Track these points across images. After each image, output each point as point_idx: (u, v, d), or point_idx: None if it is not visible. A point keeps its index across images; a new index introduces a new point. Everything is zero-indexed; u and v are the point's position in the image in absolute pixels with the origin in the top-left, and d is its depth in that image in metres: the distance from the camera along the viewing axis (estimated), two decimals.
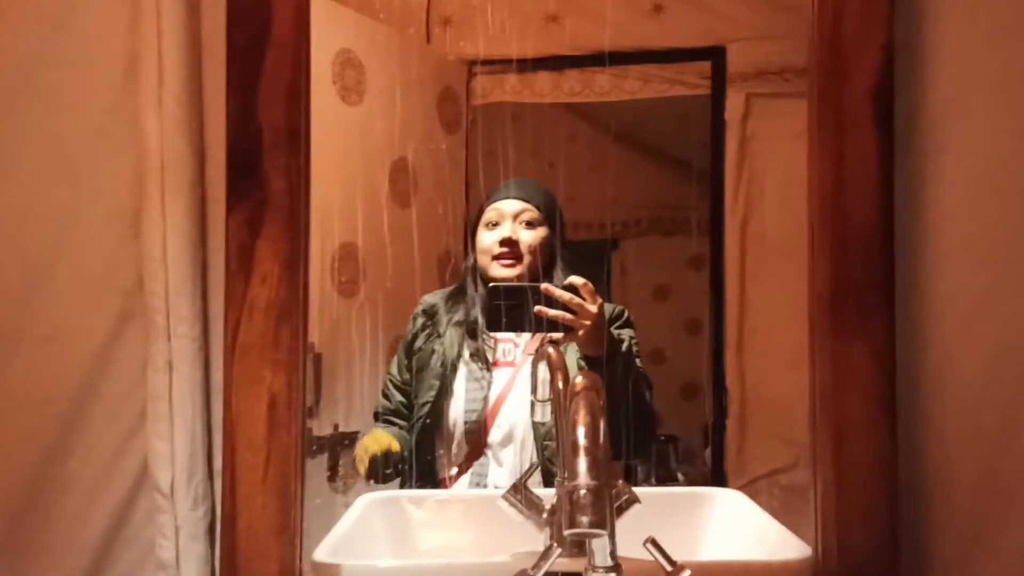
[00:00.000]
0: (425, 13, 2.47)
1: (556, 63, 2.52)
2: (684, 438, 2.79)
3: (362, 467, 1.54)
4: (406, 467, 1.51)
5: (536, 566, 0.75)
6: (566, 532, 0.67)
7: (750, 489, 1.36)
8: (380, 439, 1.54)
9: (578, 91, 2.63)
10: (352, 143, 2.11)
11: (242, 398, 0.92)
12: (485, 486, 1.49)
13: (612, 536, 0.73)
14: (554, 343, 1.37)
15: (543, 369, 1.24)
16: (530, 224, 1.58)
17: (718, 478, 2.25)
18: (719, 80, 2.42)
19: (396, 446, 1.52)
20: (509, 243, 1.56)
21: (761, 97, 2.39)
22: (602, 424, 0.72)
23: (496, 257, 1.56)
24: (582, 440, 0.70)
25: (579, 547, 0.95)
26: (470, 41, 2.45)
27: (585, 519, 0.66)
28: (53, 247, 1.02)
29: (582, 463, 0.68)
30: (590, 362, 1.39)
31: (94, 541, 1.02)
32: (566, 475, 1.00)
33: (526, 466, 1.46)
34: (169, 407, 0.99)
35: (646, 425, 1.54)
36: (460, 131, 2.48)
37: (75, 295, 1.02)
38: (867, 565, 0.93)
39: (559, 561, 0.89)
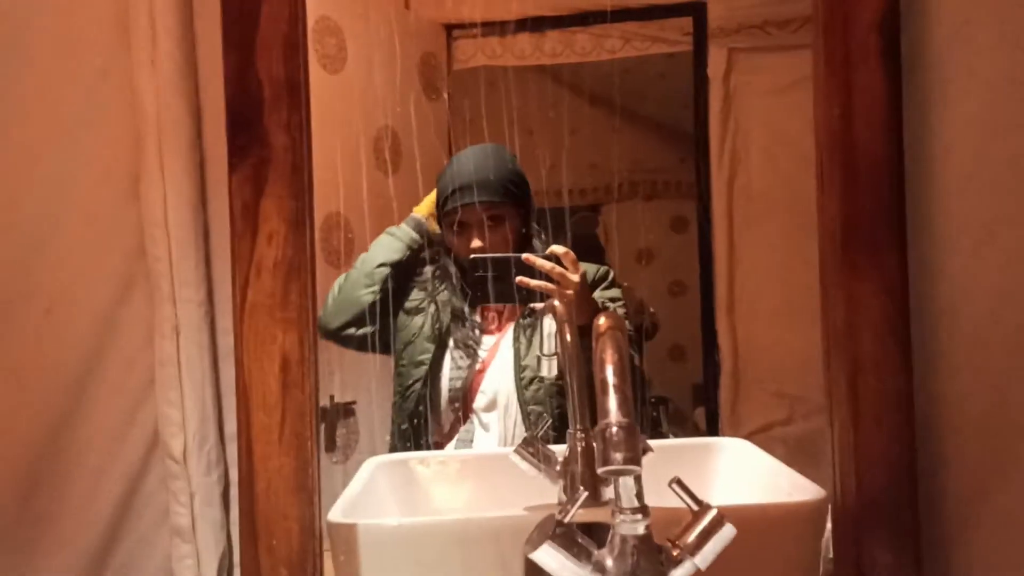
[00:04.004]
0: None
1: (536, 24, 2.50)
2: (673, 399, 2.80)
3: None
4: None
5: (563, 510, 0.74)
6: (600, 470, 0.66)
7: None
8: None
9: (559, 52, 2.61)
10: (335, 111, 2.09)
11: (254, 359, 0.91)
12: None
13: (639, 476, 0.73)
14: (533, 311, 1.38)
15: (549, 323, 1.24)
16: (498, 219, 1.55)
17: (713, 435, 2.26)
18: (700, 36, 2.41)
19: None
20: (482, 248, 1.53)
21: (743, 52, 2.38)
22: (628, 363, 0.72)
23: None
24: (611, 378, 0.69)
25: (595, 497, 0.95)
26: (448, 4, 2.43)
27: (619, 455, 0.65)
28: (49, 215, 1.00)
29: (613, 400, 0.68)
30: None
31: (108, 509, 1.01)
32: (577, 420, 1.02)
33: (510, 430, 1.48)
34: (178, 373, 0.98)
35: (636, 388, 1.53)
36: (442, 97, 2.46)
37: (75, 263, 1.00)
38: (885, 501, 0.93)
39: (578, 512, 0.89)
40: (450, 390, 1.53)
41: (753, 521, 0.94)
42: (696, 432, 2.54)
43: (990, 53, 0.96)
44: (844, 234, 0.93)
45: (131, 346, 1.01)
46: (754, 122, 2.37)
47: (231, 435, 0.98)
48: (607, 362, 0.71)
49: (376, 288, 1.55)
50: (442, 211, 1.59)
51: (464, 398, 1.53)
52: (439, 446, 1.54)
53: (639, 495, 0.74)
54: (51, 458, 1.00)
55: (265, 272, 0.90)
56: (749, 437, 1.54)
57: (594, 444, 0.68)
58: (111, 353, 1.01)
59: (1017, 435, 0.98)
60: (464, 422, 1.54)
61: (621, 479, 0.72)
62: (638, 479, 0.73)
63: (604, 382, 0.69)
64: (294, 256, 0.91)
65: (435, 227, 1.60)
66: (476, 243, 1.53)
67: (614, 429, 0.66)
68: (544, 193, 1.74)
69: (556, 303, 1.17)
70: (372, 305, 1.54)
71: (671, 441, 1.32)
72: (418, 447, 1.50)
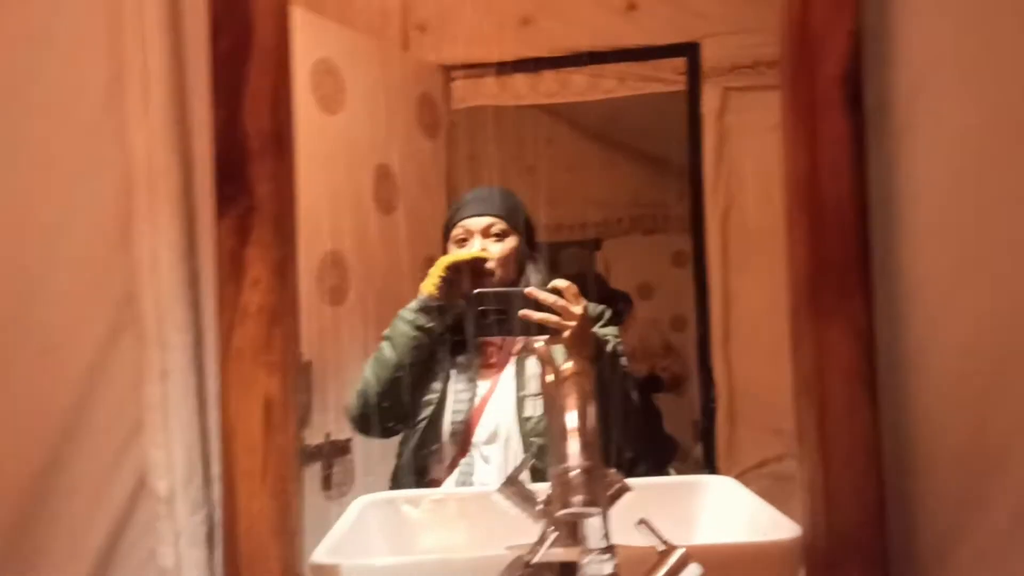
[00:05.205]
0: (401, 20, 2.49)
1: (532, 65, 2.55)
2: (676, 435, 2.81)
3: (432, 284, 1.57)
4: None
5: (532, 551, 0.76)
6: (559, 514, 0.68)
7: (742, 480, 1.38)
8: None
9: (555, 92, 2.66)
10: (333, 151, 2.13)
11: (238, 402, 0.94)
12: (471, 483, 1.52)
13: (605, 517, 0.75)
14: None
15: (533, 364, 1.27)
16: (498, 236, 1.60)
17: (710, 470, 2.27)
18: (694, 76, 2.46)
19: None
20: (480, 259, 1.58)
21: (737, 91, 2.42)
22: (591, 408, 0.74)
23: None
24: (572, 422, 0.72)
25: (573, 536, 0.97)
26: (446, 46, 2.48)
27: (578, 499, 0.68)
28: (42, 262, 1.03)
29: (573, 445, 0.70)
30: None
31: (94, 551, 1.03)
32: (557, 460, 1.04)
33: (510, 462, 1.50)
34: (165, 416, 1.00)
35: (632, 422, 1.56)
36: (440, 136, 2.50)
37: (66, 309, 1.03)
38: (856, 541, 0.95)
39: (554, 551, 0.91)
40: (452, 423, 1.56)
41: (727, 560, 0.96)
42: (698, 467, 2.56)
43: (954, 100, 0.99)
44: (812, 280, 0.96)
45: (120, 390, 1.03)
46: (748, 158, 2.41)
47: (217, 476, 1.00)
48: (568, 407, 0.73)
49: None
50: (449, 233, 1.65)
51: (465, 432, 1.56)
52: (439, 481, 1.57)
53: (606, 535, 0.76)
54: (37, 501, 1.01)
55: (250, 317, 0.93)
56: (745, 473, 1.55)
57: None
58: (100, 396, 1.03)
59: (984, 479, 1.00)
60: (464, 455, 1.56)
61: (588, 520, 0.75)
62: (606, 520, 0.76)
63: (564, 427, 0.72)
64: (278, 301, 0.94)
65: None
66: (473, 251, 1.57)
67: (573, 473, 0.68)
68: (544, 228, 1.78)
69: (538, 344, 1.19)
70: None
71: (658, 480, 1.33)
72: (420, 483, 1.53)
